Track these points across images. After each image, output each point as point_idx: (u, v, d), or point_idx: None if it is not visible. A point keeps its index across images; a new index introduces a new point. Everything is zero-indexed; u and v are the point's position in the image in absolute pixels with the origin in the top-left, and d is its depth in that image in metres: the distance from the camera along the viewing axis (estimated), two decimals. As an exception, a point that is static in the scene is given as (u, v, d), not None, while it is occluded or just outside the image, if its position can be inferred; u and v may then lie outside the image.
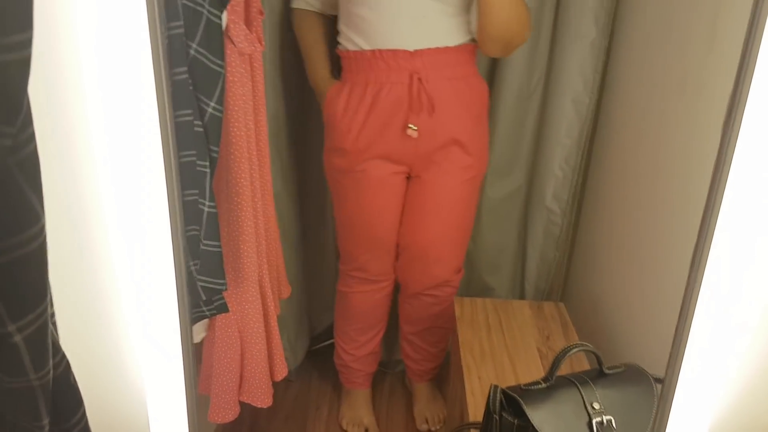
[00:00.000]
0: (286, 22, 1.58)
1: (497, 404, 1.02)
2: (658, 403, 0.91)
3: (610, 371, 1.07)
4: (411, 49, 1.36)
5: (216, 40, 0.96)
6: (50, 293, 0.60)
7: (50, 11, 0.71)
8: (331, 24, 1.53)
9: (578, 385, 1.03)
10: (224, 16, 1.01)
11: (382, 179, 1.50)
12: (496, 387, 1.03)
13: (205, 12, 0.94)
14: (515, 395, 1.01)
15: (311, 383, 1.93)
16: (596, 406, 1.01)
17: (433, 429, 1.77)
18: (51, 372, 0.56)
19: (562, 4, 1.60)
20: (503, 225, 1.84)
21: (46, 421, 0.58)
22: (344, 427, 1.78)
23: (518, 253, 1.89)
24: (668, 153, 1.28)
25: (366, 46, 1.39)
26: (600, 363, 1.07)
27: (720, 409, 0.96)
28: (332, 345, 2.07)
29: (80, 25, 0.73)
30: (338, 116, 1.47)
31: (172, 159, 0.78)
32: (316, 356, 2.01)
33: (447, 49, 1.38)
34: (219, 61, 0.97)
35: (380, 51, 1.38)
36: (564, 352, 1.04)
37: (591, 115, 1.66)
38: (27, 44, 0.43)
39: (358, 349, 1.76)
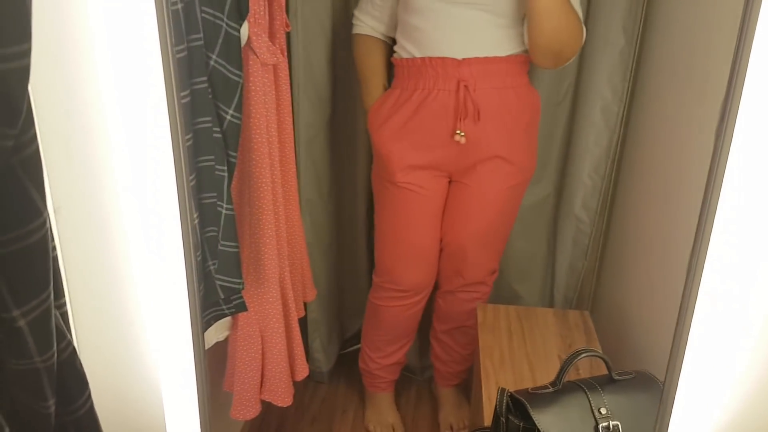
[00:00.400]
0: (320, 34, 1.63)
1: (504, 407, 1.03)
2: (658, 407, 0.90)
3: (620, 377, 1.06)
4: (459, 57, 1.40)
5: (234, 51, 1.01)
6: (60, 285, 0.66)
7: (70, 30, 0.77)
8: (390, 50, 1.58)
9: (586, 390, 1.04)
10: (244, 27, 1.06)
11: (424, 191, 1.53)
12: (503, 390, 1.05)
13: (224, 25, 0.99)
14: (522, 398, 1.02)
15: (339, 386, 1.97)
16: (603, 411, 1.01)
17: (458, 436, 1.78)
18: (55, 355, 0.61)
19: (591, 13, 1.60)
20: (532, 233, 1.84)
21: (51, 402, 0.63)
22: (371, 430, 1.81)
23: (547, 261, 1.88)
24: (697, 162, 1.27)
25: (417, 54, 1.44)
26: (609, 369, 1.07)
27: (723, 415, 0.95)
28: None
29: (98, 40, 0.79)
30: (380, 123, 1.52)
31: (184, 166, 0.83)
32: (346, 360, 2.04)
33: (496, 59, 1.41)
34: (237, 71, 1.02)
35: (429, 58, 1.41)
36: (572, 357, 1.04)
37: (620, 124, 1.65)
38: (26, 54, 0.48)
39: (384, 358, 1.79)
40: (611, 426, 1.00)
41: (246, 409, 1.36)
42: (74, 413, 0.67)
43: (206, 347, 1.27)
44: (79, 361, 0.67)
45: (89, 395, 0.69)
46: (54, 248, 0.64)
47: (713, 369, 0.90)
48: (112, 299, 0.97)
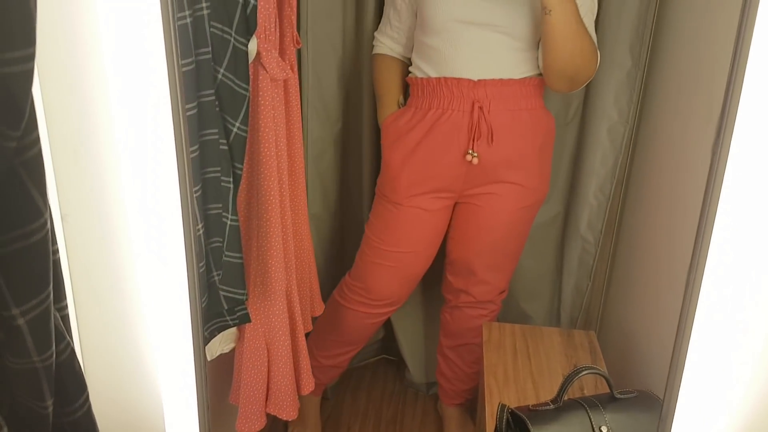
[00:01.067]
0: (330, 51, 1.66)
1: (504, 423, 1.03)
2: (657, 426, 0.90)
3: (622, 396, 1.06)
4: (474, 78, 1.41)
5: (242, 64, 1.04)
6: (62, 288, 0.67)
7: (80, 42, 0.80)
8: (406, 70, 1.60)
9: (587, 407, 1.03)
10: (253, 43, 1.08)
11: (425, 214, 1.54)
12: (503, 406, 1.04)
13: (232, 40, 1.01)
14: (522, 415, 1.02)
15: (344, 401, 1.96)
16: (604, 429, 1.01)
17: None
18: (54, 356, 0.62)
19: (599, 35, 1.61)
20: (540, 252, 1.84)
21: (49, 402, 0.64)
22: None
23: (555, 281, 1.88)
24: (703, 184, 1.27)
25: (433, 74, 1.46)
26: (611, 387, 1.06)
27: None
28: (367, 365, 2.11)
29: (107, 52, 0.81)
30: (393, 139, 1.53)
31: (188, 176, 0.85)
32: (351, 375, 2.04)
33: (511, 81, 1.42)
34: (244, 85, 1.05)
35: (445, 79, 1.43)
36: (573, 374, 1.04)
37: (626, 145, 1.65)
38: (30, 58, 0.49)
39: (326, 358, 1.76)
40: (611, 444, 1.00)
41: (251, 422, 1.36)
42: (72, 414, 0.68)
43: (211, 358, 1.28)
44: (78, 363, 0.68)
45: (87, 397, 0.70)
46: (56, 252, 0.65)
47: (712, 388, 0.89)
48: (117, 306, 0.99)
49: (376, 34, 1.59)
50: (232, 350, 1.37)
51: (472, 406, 1.85)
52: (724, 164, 0.72)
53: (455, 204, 1.57)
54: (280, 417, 1.39)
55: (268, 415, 1.41)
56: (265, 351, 1.34)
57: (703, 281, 0.78)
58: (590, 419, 1.01)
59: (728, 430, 0.92)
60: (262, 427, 1.38)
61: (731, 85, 0.69)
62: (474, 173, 1.47)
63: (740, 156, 0.79)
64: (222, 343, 1.31)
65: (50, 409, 0.64)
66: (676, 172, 1.40)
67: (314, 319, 1.79)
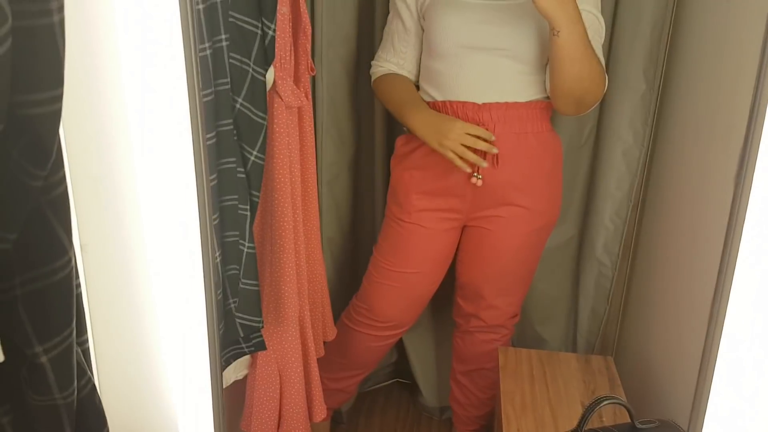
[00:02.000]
0: (344, 77, 1.66)
1: (523, 454, 1.01)
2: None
3: (643, 426, 1.04)
4: (479, 102, 1.41)
5: (260, 94, 1.04)
6: (84, 322, 0.67)
7: (101, 76, 0.80)
8: (416, 86, 1.57)
9: (608, 439, 1.01)
10: (270, 72, 1.09)
11: (432, 233, 1.53)
12: (522, 437, 1.03)
13: (251, 70, 1.02)
14: (542, 446, 1.00)
15: (358, 426, 1.94)
16: (626, 461, 0.99)
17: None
18: (75, 392, 0.62)
19: (613, 58, 1.61)
20: (556, 275, 1.83)
21: (70, 438, 0.63)
22: None
23: (571, 304, 1.86)
24: (720, 207, 1.26)
25: (438, 98, 1.46)
26: (632, 417, 1.04)
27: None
28: (381, 389, 2.09)
29: (127, 84, 0.82)
30: (401, 157, 1.53)
31: (207, 204, 0.85)
32: (365, 399, 2.02)
33: (516, 104, 1.42)
34: (262, 114, 1.05)
35: (450, 102, 1.43)
36: (594, 404, 1.02)
37: (642, 168, 1.64)
38: (58, 99, 0.50)
39: (332, 381, 1.74)
40: (634, 476, 0.98)
41: (263, 450, 1.35)
42: (92, 451, 0.68)
43: (225, 385, 1.28)
44: (99, 397, 0.67)
45: (107, 432, 0.70)
46: (78, 285, 0.65)
47: (738, 418, 0.88)
48: (135, 336, 0.98)
49: (374, 62, 1.57)
50: (245, 376, 1.36)
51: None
52: (749, 191, 0.71)
53: (464, 227, 1.56)
54: (293, 444, 1.38)
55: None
56: (278, 377, 1.34)
57: (728, 311, 0.77)
58: (612, 450, 1.00)
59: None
60: (275, 453, 1.37)
61: (753, 118, 0.69)
62: (481, 195, 1.46)
63: (765, 182, 0.78)
64: (236, 370, 1.31)
65: (71, 445, 0.64)
66: (693, 194, 1.39)
67: (326, 344, 1.79)
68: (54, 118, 0.50)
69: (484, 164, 1.37)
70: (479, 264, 1.56)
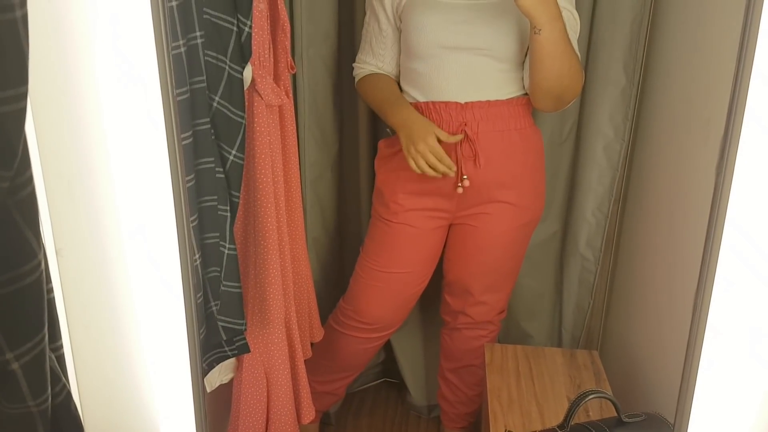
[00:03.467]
0: (325, 75, 1.65)
1: (510, 451, 1.01)
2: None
3: (629, 419, 1.04)
4: (462, 101, 1.41)
5: (237, 92, 1.03)
6: (57, 327, 0.65)
7: (73, 74, 0.79)
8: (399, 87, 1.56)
9: (594, 433, 1.01)
10: (248, 70, 1.07)
11: (419, 232, 1.53)
12: (509, 433, 1.02)
13: (227, 68, 1.00)
14: (528, 442, 1.00)
15: (346, 427, 1.93)
16: (612, 455, 0.99)
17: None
18: (50, 399, 0.61)
19: (592, 53, 1.62)
20: (540, 271, 1.83)
21: (45, 446, 0.62)
22: None
23: (555, 300, 1.87)
24: (701, 200, 1.26)
25: (421, 98, 1.45)
26: (618, 411, 1.04)
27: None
28: (369, 389, 2.08)
29: (101, 83, 0.80)
30: (386, 159, 1.53)
31: (184, 205, 0.84)
32: (353, 400, 2.01)
33: (498, 102, 1.42)
34: (240, 113, 1.04)
35: (433, 103, 1.43)
36: (580, 399, 1.02)
37: (623, 162, 1.65)
38: (23, 97, 0.48)
39: (319, 383, 1.73)
40: (621, 470, 0.98)
41: (250, 453, 1.34)
42: (69, 459, 0.66)
43: (210, 389, 1.26)
44: (74, 404, 0.66)
45: (84, 441, 0.68)
46: (51, 290, 0.64)
47: (724, 409, 0.88)
48: (114, 341, 0.97)
49: (355, 64, 1.56)
50: (231, 380, 1.35)
51: (474, 429, 1.82)
52: (730, 181, 0.71)
53: (450, 226, 1.56)
54: (281, 447, 1.36)
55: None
56: (264, 380, 1.32)
57: (711, 303, 0.77)
58: (598, 444, 0.99)
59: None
60: (262, 457, 1.36)
61: (734, 106, 0.68)
62: (467, 193, 1.46)
63: (745, 173, 0.78)
64: (221, 374, 1.29)
65: (46, 454, 0.62)
66: (674, 187, 1.40)
67: (313, 346, 1.77)
68: (19, 116, 0.49)
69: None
70: (466, 261, 1.56)
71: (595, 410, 1.31)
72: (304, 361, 1.71)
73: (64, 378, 0.64)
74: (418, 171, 1.38)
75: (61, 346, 0.66)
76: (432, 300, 1.78)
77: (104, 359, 0.99)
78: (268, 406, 1.34)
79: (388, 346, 1.96)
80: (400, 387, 2.04)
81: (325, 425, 1.92)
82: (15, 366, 0.55)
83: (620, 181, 1.67)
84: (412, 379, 1.97)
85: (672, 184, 1.41)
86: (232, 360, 1.29)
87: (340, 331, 1.66)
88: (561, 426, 1.03)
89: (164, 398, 1.01)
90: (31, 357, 0.56)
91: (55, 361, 0.64)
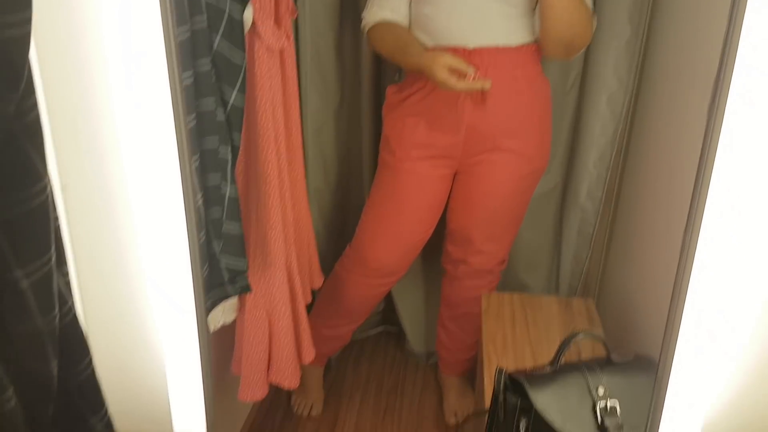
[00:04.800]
0: (328, 21, 1.64)
1: (502, 386, 1.04)
2: (653, 387, 0.91)
3: (620, 360, 1.07)
4: (470, 46, 1.41)
5: (237, 34, 1.03)
6: (63, 255, 0.68)
7: (78, 9, 0.80)
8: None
9: (584, 370, 1.04)
10: (249, 11, 1.08)
11: (425, 180, 1.54)
12: (501, 370, 1.06)
13: (227, 8, 1.01)
14: (519, 378, 1.03)
15: (346, 372, 1.99)
16: (601, 391, 1.02)
17: (461, 422, 1.79)
18: (57, 318, 0.64)
19: (598, 4, 1.60)
20: (539, 224, 1.85)
21: (54, 364, 0.65)
22: (292, 404, 1.83)
23: (554, 251, 1.89)
24: (696, 146, 1.27)
25: (430, 43, 1.45)
26: (608, 351, 1.07)
27: (722, 393, 0.95)
28: (368, 337, 2.13)
29: (105, 20, 0.81)
30: (394, 105, 1.53)
31: (186, 146, 0.85)
32: (354, 346, 2.07)
33: (507, 48, 1.42)
34: (241, 54, 1.04)
35: (441, 47, 1.43)
36: (570, 338, 1.05)
37: (626, 115, 1.65)
38: (27, 22, 0.50)
39: (325, 328, 1.77)
40: (608, 406, 1.01)
41: (253, 391, 1.38)
42: (77, 377, 0.70)
43: (213, 329, 1.30)
44: (81, 326, 0.69)
45: (91, 360, 0.71)
46: (57, 219, 0.66)
47: (708, 349, 0.90)
48: (119, 276, 1.00)
49: (365, 12, 1.53)
50: (234, 322, 1.38)
51: (471, 376, 1.87)
52: (719, 130, 0.72)
53: (456, 174, 1.58)
54: (282, 386, 1.41)
55: (271, 386, 1.42)
56: (266, 321, 1.36)
57: (698, 245, 0.79)
58: (587, 382, 1.03)
59: (725, 392, 0.94)
60: (264, 395, 1.40)
61: (726, 50, 0.69)
62: (473, 140, 1.47)
63: (735, 122, 0.79)
64: (224, 314, 1.33)
65: (55, 371, 0.66)
66: (676, 140, 1.40)
67: (315, 293, 1.81)
68: (23, 41, 0.50)
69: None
70: (470, 209, 1.58)
71: (587, 354, 1.35)
72: (312, 306, 1.76)
73: (70, 301, 0.67)
74: (457, 88, 1.33)
75: (68, 273, 0.69)
76: (432, 251, 1.80)
77: (110, 296, 1.02)
78: (270, 346, 1.38)
79: (387, 295, 2.00)
80: (399, 336, 2.09)
81: (325, 372, 1.97)
82: (25, 284, 0.58)
83: (623, 133, 1.67)
84: (411, 327, 2.01)
85: (674, 135, 1.41)
86: (235, 301, 1.33)
87: (346, 277, 1.69)
88: (551, 364, 1.06)
89: (169, 335, 1.05)
90: (40, 275, 0.59)
91: (63, 284, 0.66)
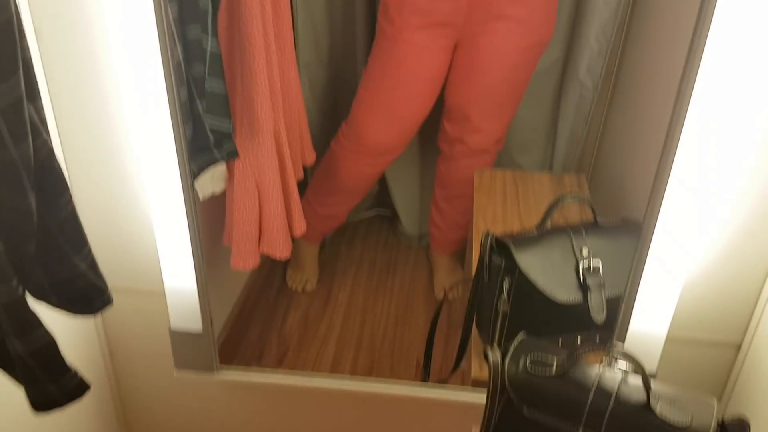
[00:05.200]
0: None
1: (488, 248, 1.05)
2: (636, 246, 0.92)
3: (606, 223, 1.08)
4: None
5: None
6: (36, 89, 0.66)
7: None
8: None
9: (569, 232, 1.05)
10: None
11: (425, 51, 1.48)
12: (487, 234, 1.06)
13: None
14: (505, 239, 1.04)
15: (340, 251, 2.02)
16: (585, 251, 1.03)
17: (450, 297, 1.83)
18: (31, 149, 0.62)
19: None
20: (537, 102, 1.81)
21: (31, 197, 0.64)
22: (287, 280, 1.86)
23: (549, 132, 1.86)
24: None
25: None
26: (594, 214, 1.08)
27: (705, 254, 0.96)
28: (362, 221, 2.15)
29: None
30: None
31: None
32: (346, 228, 2.09)
33: None
34: None
35: None
36: (557, 201, 1.05)
37: (630, -16, 1.58)
38: None
39: (321, 206, 1.77)
40: (591, 265, 1.02)
41: (245, 259, 1.39)
42: (57, 213, 0.69)
43: (202, 196, 1.29)
44: (58, 162, 0.68)
45: (70, 198, 0.71)
46: (26, 49, 0.63)
47: (692, 211, 0.90)
48: (103, 130, 0.98)
49: None
50: (224, 194, 1.38)
51: (461, 255, 1.89)
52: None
53: (456, 46, 1.52)
54: (273, 256, 1.42)
55: (267, 260, 1.43)
56: (256, 190, 1.35)
57: (686, 119, 0.78)
58: (572, 242, 1.03)
59: (706, 255, 0.95)
60: (255, 265, 1.42)
61: None
62: (476, 5, 1.41)
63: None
64: (213, 183, 1.32)
65: (33, 206, 0.65)
66: (677, 16, 1.35)
67: (309, 172, 1.80)
68: None
69: None
70: (469, 83, 1.54)
71: (575, 220, 1.35)
72: (308, 185, 1.75)
73: (45, 134, 0.66)
74: None
75: (43, 109, 0.67)
76: (427, 133, 1.78)
77: (94, 153, 1.01)
78: (260, 216, 1.38)
79: (381, 179, 2.00)
80: (392, 219, 2.10)
81: (320, 250, 2.00)
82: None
83: (626, 5, 1.61)
84: (403, 209, 2.02)
85: (676, 11, 1.36)
86: (224, 169, 1.32)
87: (341, 154, 1.67)
88: (538, 227, 1.07)
89: (154, 192, 1.05)
90: (10, 101, 0.57)
91: (36, 118, 0.65)
